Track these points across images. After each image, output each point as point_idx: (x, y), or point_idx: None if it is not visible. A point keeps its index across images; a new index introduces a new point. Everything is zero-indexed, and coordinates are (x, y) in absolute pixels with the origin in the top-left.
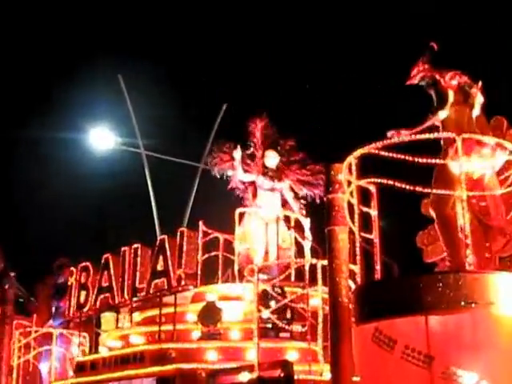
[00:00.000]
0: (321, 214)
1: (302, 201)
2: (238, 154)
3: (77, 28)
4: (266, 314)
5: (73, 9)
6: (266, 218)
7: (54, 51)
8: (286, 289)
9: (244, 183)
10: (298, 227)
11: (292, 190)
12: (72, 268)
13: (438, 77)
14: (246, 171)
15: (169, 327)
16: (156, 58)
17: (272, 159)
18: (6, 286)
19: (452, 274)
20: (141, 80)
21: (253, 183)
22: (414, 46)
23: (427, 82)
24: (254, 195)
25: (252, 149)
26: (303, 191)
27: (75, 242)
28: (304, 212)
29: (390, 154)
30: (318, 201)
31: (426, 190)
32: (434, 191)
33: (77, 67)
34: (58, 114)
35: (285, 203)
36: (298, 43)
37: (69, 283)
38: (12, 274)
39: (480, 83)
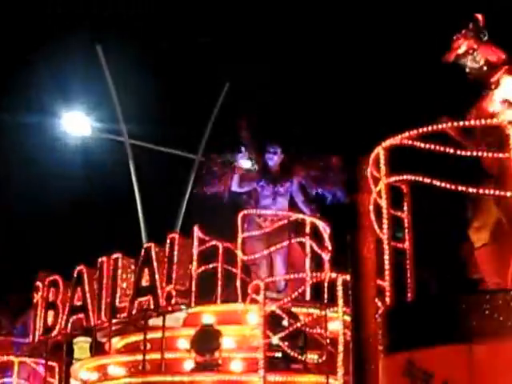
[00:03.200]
0: (342, 218)
1: (316, 204)
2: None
3: None
4: (274, 340)
5: None
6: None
7: (20, 19)
8: (300, 310)
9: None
10: (315, 235)
11: (302, 191)
12: (38, 283)
13: (489, 56)
14: (242, 180)
15: (156, 356)
16: (141, 28)
17: (274, 156)
18: None
19: (503, 292)
20: (123, 54)
21: (255, 190)
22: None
23: (473, 62)
24: (257, 202)
25: (244, 151)
26: (317, 192)
27: (41, 250)
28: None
29: (431, 146)
30: (340, 202)
31: (472, 190)
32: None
33: (47, 37)
34: (24, 94)
35: (293, 207)
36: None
37: (34, 301)
38: None
39: None
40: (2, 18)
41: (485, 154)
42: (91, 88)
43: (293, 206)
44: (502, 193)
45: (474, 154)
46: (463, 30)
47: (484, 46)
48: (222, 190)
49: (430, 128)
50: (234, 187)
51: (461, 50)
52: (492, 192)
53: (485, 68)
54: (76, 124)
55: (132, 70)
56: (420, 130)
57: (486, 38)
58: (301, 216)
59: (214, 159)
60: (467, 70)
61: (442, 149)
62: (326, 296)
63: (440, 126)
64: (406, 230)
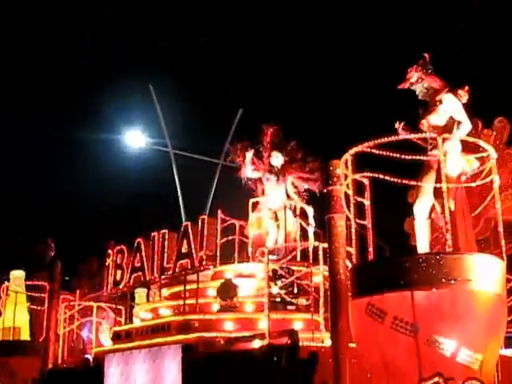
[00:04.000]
0: (321, 204)
1: (304, 193)
2: (248, 156)
3: (116, 44)
4: (275, 289)
5: (113, 28)
6: (274, 207)
7: (97, 63)
8: (293, 268)
9: (252, 179)
10: (303, 215)
11: (293, 185)
12: (109, 251)
13: (433, 84)
14: (254, 169)
15: (192, 301)
16: (182, 71)
17: (277, 159)
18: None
19: (434, 255)
20: (169, 90)
21: (260, 179)
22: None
23: (422, 88)
24: (263, 189)
25: (261, 150)
26: (303, 186)
27: (113, 227)
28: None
29: (380, 152)
30: (317, 193)
31: (411, 183)
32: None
33: (115, 78)
34: (96, 117)
35: (289, 197)
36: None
37: (106, 264)
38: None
39: (467, 88)
40: (85, 63)
41: (422, 158)
42: (146, 112)
43: (287, 194)
44: (437, 185)
45: (415, 157)
46: (414, 64)
47: (429, 77)
48: (243, 165)
49: (386, 139)
50: (248, 172)
51: (413, 80)
52: (426, 184)
53: (430, 92)
54: (134, 139)
55: (173, 101)
56: (375, 142)
57: (430, 71)
58: (293, 203)
59: (237, 145)
60: (417, 93)
61: (390, 154)
62: (311, 258)
63: (391, 138)
64: (367, 212)
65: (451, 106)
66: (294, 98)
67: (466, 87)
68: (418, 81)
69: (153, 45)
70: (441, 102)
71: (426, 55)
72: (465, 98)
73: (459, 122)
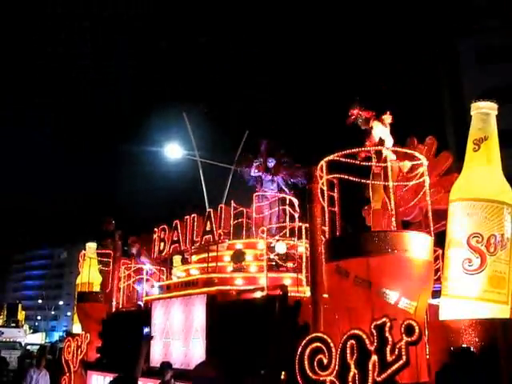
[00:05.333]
0: (304, 196)
1: (291, 187)
2: (254, 164)
3: (158, 81)
4: (271, 256)
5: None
6: (270, 198)
7: (145, 94)
8: (284, 241)
9: (253, 178)
10: (291, 204)
11: (283, 180)
12: (155, 229)
13: (366, 115)
14: (256, 171)
15: (213, 264)
16: (207, 101)
17: (271, 163)
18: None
19: (383, 232)
20: (198, 116)
21: (260, 178)
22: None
23: (361, 121)
24: (261, 184)
25: (259, 157)
26: (290, 181)
27: (159, 214)
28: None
29: (346, 160)
30: (300, 186)
31: (367, 181)
32: (373, 182)
33: (159, 107)
34: (142, 135)
35: (281, 190)
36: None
37: (153, 237)
38: (119, 232)
39: (388, 113)
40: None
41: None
42: (180, 131)
43: (280, 188)
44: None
45: (368, 163)
46: (354, 105)
47: (364, 112)
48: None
49: (349, 151)
50: (253, 173)
51: (353, 117)
52: (378, 182)
53: (365, 121)
54: (172, 151)
55: (202, 124)
56: (342, 153)
57: (363, 107)
58: (283, 195)
59: (245, 157)
60: (358, 123)
61: (352, 161)
62: (296, 234)
63: (348, 151)
64: (336, 202)
65: (378, 130)
66: (285, 116)
67: (388, 112)
68: (357, 116)
69: (187, 78)
70: (372, 127)
71: (357, 99)
72: (388, 120)
73: (383, 140)
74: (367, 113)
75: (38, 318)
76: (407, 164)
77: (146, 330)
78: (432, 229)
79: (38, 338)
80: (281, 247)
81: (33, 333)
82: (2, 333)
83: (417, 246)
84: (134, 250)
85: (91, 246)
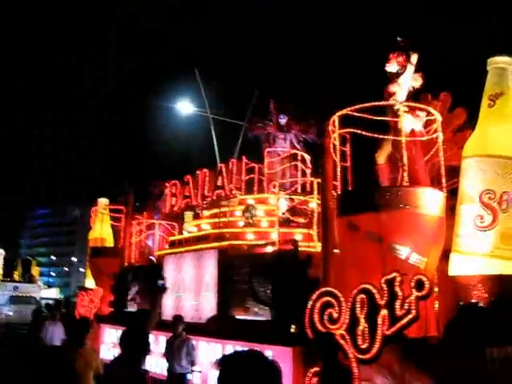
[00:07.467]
0: (316, 151)
1: (302, 144)
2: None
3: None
4: (282, 211)
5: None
6: (282, 154)
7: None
8: (295, 197)
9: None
10: (303, 160)
11: (296, 136)
12: (166, 184)
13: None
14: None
15: (225, 219)
16: (219, 61)
17: (283, 119)
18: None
19: (394, 188)
20: (210, 73)
21: (272, 135)
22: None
23: (398, 70)
24: (274, 141)
25: (272, 114)
26: (302, 137)
27: (170, 168)
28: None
29: (359, 115)
30: (311, 142)
31: (381, 137)
32: (387, 137)
33: (173, 70)
34: (163, 94)
35: (293, 147)
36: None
37: (165, 193)
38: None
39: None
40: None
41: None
42: (193, 89)
43: (292, 145)
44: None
45: (382, 118)
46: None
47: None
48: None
49: (364, 105)
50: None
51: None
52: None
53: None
54: (184, 108)
55: (214, 81)
56: (355, 107)
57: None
58: (295, 151)
59: (255, 118)
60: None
61: (366, 116)
62: (308, 189)
63: (363, 105)
64: (348, 157)
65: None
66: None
67: (420, 73)
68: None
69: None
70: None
71: (400, 40)
72: (414, 59)
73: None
74: (402, 55)
75: (52, 274)
76: (422, 115)
77: (160, 282)
78: (445, 185)
79: (53, 293)
80: (282, 204)
81: (47, 288)
82: (17, 288)
83: (429, 201)
84: (157, 191)
85: (103, 202)
